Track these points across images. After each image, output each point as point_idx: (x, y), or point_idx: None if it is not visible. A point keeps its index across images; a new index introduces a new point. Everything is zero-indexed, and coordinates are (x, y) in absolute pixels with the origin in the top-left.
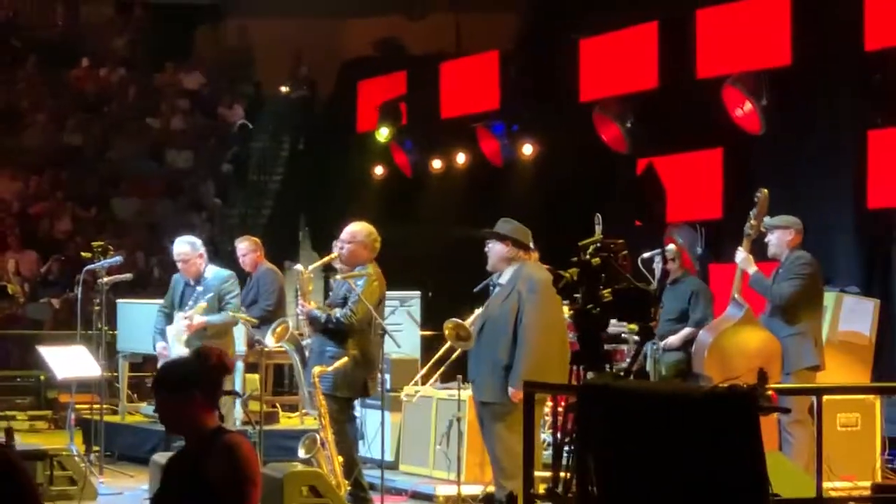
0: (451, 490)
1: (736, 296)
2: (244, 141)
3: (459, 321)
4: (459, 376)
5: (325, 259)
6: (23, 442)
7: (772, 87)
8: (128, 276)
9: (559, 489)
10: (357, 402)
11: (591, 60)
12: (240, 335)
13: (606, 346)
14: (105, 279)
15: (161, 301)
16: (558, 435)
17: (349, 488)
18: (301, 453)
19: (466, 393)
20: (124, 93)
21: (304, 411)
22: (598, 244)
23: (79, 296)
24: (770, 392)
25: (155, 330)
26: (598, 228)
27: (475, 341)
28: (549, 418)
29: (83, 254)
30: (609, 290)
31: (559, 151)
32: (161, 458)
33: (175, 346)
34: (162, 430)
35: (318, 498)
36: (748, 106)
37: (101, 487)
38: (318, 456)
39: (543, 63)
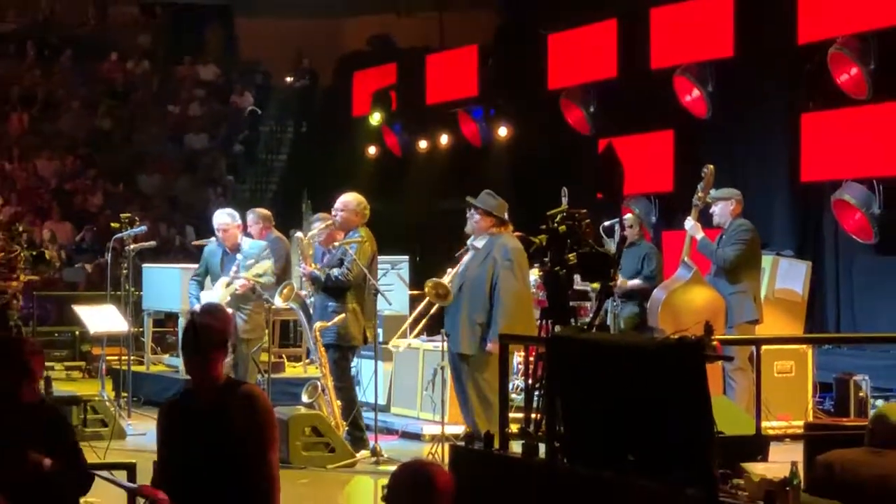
0: (436, 429)
1: (685, 259)
2: (253, 125)
3: (438, 280)
4: (443, 330)
5: (322, 226)
6: (60, 389)
7: (717, 75)
8: (152, 243)
9: (530, 428)
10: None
11: (559, 53)
12: None
13: (571, 303)
14: (132, 246)
15: (190, 266)
16: (529, 381)
17: (347, 428)
18: (304, 398)
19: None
20: (148, 83)
21: (307, 361)
22: (565, 214)
23: (108, 261)
24: (715, 343)
25: (191, 296)
26: (565, 200)
27: (454, 299)
28: (521, 366)
29: (112, 224)
30: (574, 253)
31: (531, 133)
32: None
33: None
34: (181, 379)
35: (319, 437)
36: (696, 92)
37: (128, 429)
38: (319, 400)
39: (517, 55)
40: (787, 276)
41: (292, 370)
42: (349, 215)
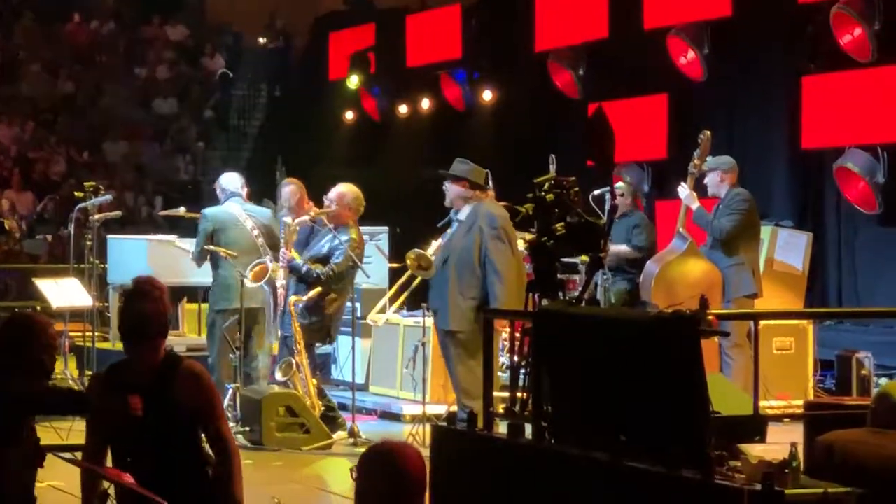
0: (416, 409)
1: (680, 229)
2: (225, 89)
3: (421, 251)
4: (424, 304)
5: (314, 213)
6: None
7: (713, 36)
8: (117, 213)
9: (516, 408)
10: None
11: (546, 12)
12: None
13: (560, 276)
14: (96, 216)
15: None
16: (515, 358)
17: (323, 409)
18: (278, 376)
19: (431, 320)
20: (114, 45)
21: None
22: (552, 181)
23: (72, 232)
24: (711, 318)
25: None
26: (552, 167)
27: (439, 273)
28: (507, 343)
29: (76, 193)
30: (562, 223)
31: (517, 97)
32: None
33: None
34: None
35: (294, 417)
36: (691, 54)
37: None
38: (294, 379)
39: (502, 15)
40: (786, 247)
41: None
42: (343, 210)
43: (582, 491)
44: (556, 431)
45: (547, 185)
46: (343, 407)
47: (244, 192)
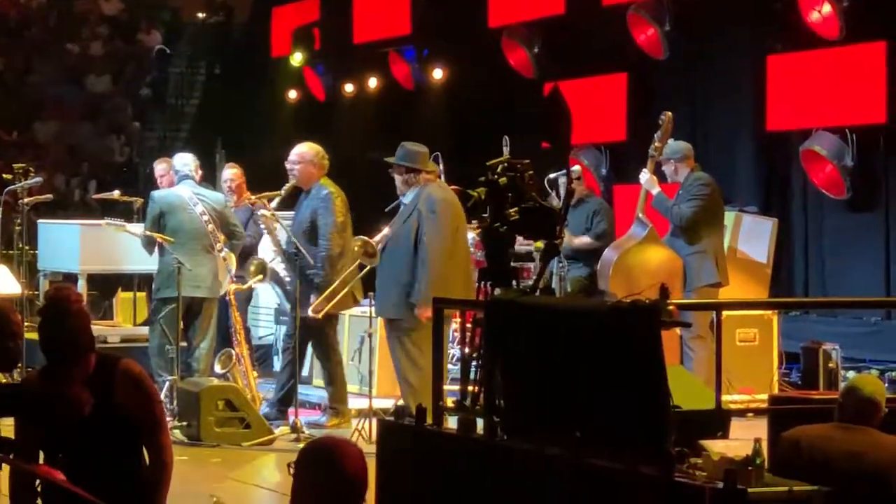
0: (363, 403)
1: (640, 215)
2: (162, 66)
3: (367, 238)
4: (371, 293)
5: (284, 191)
6: None
7: (674, 12)
8: (48, 196)
9: (467, 402)
10: (272, 320)
11: None
12: None
13: (514, 264)
14: (26, 200)
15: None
16: (466, 350)
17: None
18: (217, 369)
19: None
20: (44, 18)
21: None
22: (506, 164)
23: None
24: (672, 308)
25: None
26: (506, 150)
27: (379, 260)
28: (457, 334)
29: (4, 176)
30: (516, 208)
31: (469, 76)
32: None
33: None
34: None
35: (234, 411)
36: (651, 31)
37: None
38: (234, 371)
39: None
40: (750, 234)
41: None
42: (308, 167)
43: (536, 488)
44: (508, 426)
45: (500, 168)
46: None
47: (198, 174)
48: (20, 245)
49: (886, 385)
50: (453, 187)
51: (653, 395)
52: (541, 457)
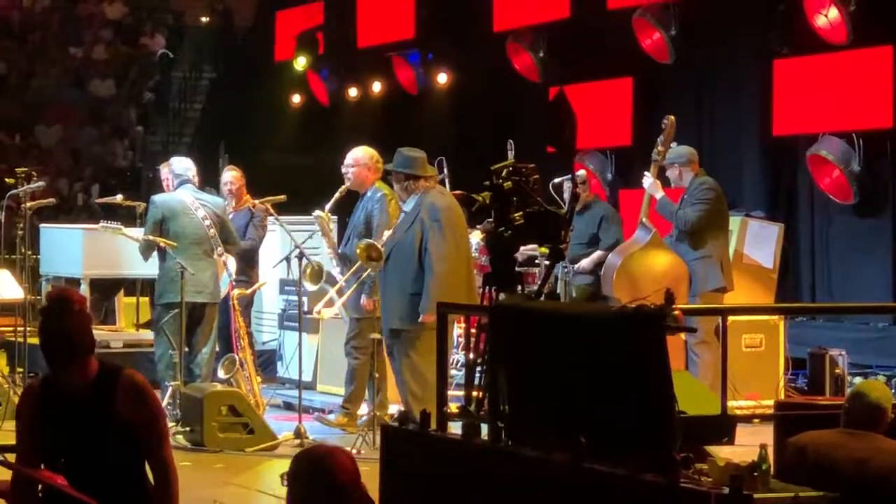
0: (366, 408)
1: (644, 220)
2: (165, 70)
3: (371, 242)
4: (376, 297)
5: (338, 193)
6: None
7: (680, 17)
8: (51, 200)
9: (471, 407)
10: (276, 324)
11: None
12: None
13: (518, 269)
14: (28, 204)
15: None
16: (470, 355)
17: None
18: (220, 374)
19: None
20: (48, 22)
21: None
22: (510, 168)
23: (2, 221)
24: (677, 313)
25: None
26: (511, 154)
27: (383, 268)
28: (461, 339)
29: (7, 180)
30: (520, 213)
31: (473, 80)
32: None
33: None
34: None
35: (237, 417)
36: (657, 36)
37: None
38: (237, 377)
39: None
40: (756, 239)
41: None
42: (362, 171)
43: (540, 494)
44: (513, 432)
45: (505, 172)
46: (289, 406)
47: (196, 179)
48: (22, 249)
49: (893, 391)
50: (456, 192)
51: (658, 401)
52: (546, 462)
